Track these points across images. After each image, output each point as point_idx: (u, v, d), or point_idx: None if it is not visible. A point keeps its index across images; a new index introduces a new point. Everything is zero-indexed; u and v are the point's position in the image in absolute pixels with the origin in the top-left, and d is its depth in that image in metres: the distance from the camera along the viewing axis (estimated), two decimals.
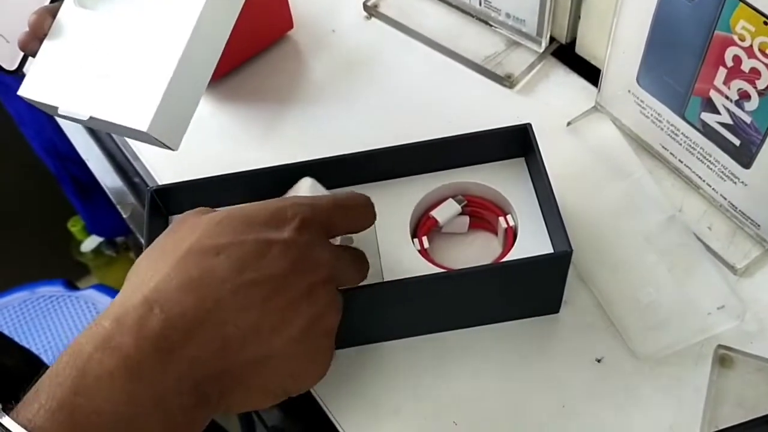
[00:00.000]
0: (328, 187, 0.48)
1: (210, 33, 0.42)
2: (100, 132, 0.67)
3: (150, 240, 0.46)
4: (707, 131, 0.49)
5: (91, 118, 0.41)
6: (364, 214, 0.39)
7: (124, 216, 0.60)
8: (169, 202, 0.50)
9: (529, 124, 0.49)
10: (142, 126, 0.39)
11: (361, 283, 0.40)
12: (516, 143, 0.50)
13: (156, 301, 0.31)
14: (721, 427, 0.42)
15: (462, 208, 0.50)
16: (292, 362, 0.34)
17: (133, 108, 0.40)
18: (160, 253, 0.33)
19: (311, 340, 0.34)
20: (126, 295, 0.32)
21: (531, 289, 0.47)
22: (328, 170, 0.48)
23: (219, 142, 0.62)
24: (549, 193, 0.45)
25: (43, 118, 0.93)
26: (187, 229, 0.34)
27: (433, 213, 0.50)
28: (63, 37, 0.43)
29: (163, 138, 0.41)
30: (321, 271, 0.35)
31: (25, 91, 0.43)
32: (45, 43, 0.44)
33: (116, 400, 0.29)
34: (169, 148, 0.42)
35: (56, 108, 0.42)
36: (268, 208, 0.35)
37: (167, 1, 0.41)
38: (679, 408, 0.45)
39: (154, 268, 0.32)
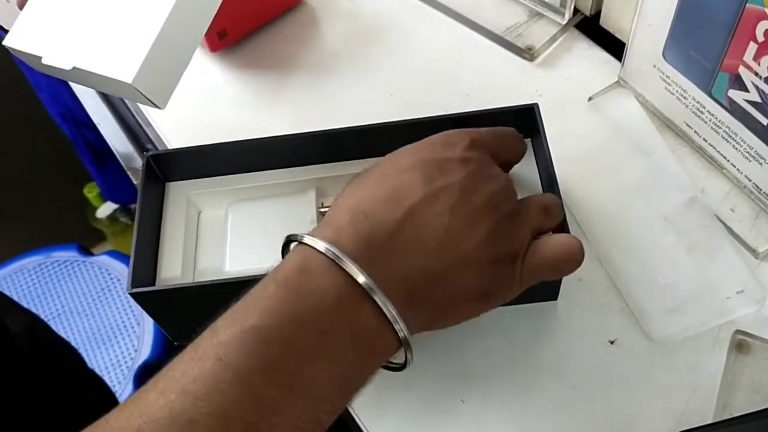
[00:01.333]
0: (335, 159, 0.47)
1: None
2: (112, 96, 0.66)
3: (143, 207, 0.45)
4: (734, 109, 0.47)
5: (74, 68, 0.39)
6: (518, 144, 0.43)
7: (135, 182, 0.60)
8: (166, 168, 0.49)
9: (536, 104, 0.47)
10: (127, 77, 0.38)
11: None
12: (523, 123, 0.48)
13: (362, 211, 0.35)
14: (735, 414, 0.41)
15: None
16: (484, 269, 0.36)
17: (118, 59, 0.38)
18: (356, 185, 0.37)
19: (495, 247, 0.36)
20: (335, 212, 0.36)
21: None
22: (336, 141, 0.47)
23: (232, 109, 0.61)
24: (552, 179, 0.44)
25: (58, 83, 0.93)
26: (373, 167, 0.38)
27: None
28: None
29: (148, 93, 0.39)
30: (496, 181, 0.38)
31: (10, 41, 0.42)
32: None
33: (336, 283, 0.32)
34: (156, 106, 0.40)
35: (39, 58, 0.40)
36: (437, 137, 0.39)
37: None
38: (693, 393, 0.43)
39: (356, 190, 0.36)
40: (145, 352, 0.94)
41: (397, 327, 0.33)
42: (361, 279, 0.32)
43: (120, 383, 0.92)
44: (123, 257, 1.04)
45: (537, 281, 0.38)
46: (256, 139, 0.47)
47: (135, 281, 0.42)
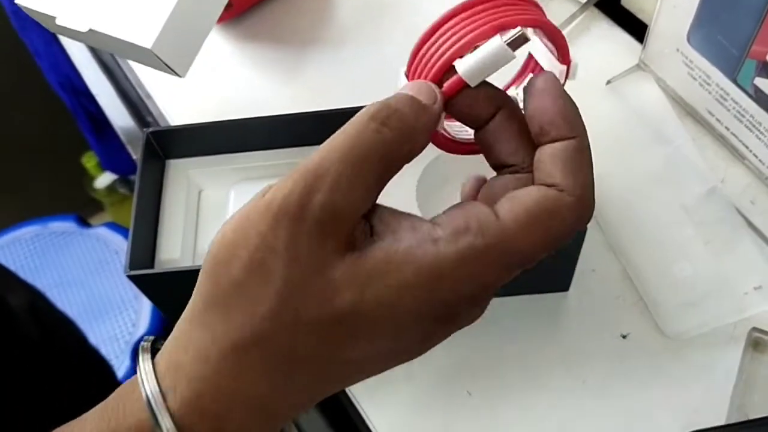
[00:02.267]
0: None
1: None
2: (113, 67, 0.64)
3: (143, 184, 0.44)
4: (759, 98, 0.45)
5: (90, 31, 0.38)
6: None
7: (134, 157, 0.58)
8: (167, 145, 0.47)
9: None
10: (146, 43, 0.36)
11: None
12: None
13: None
14: (750, 416, 0.40)
15: None
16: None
17: (137, 24, 0.37)
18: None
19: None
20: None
21: (540, 266, 0.44)
22: (344, 121, 0.45)
23: (237, 83, 0.59)
24: None
25: (58, 51, 0.91)
26: None
27: None
28: None
29: (168, 60, 0.37)
30: None
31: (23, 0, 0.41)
32: None
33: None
34: (176, 74, 0.39)
35: (53, 18, 0.39)
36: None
37: None
38: (706, 391, 0.42)
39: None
40: (143, 326, 0.93)
41: None
42: None
43: (117, 357, 0.91)
44: (121, 229, 1.02)
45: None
46: (259, 118, 0.46)
47: (133, 263, 0.40)
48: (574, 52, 0.57)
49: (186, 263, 0.44)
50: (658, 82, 0.53)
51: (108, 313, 0.94)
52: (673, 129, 0.50)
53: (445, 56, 0.26)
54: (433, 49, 0.26)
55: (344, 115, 0.45)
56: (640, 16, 0.56)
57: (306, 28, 0.61)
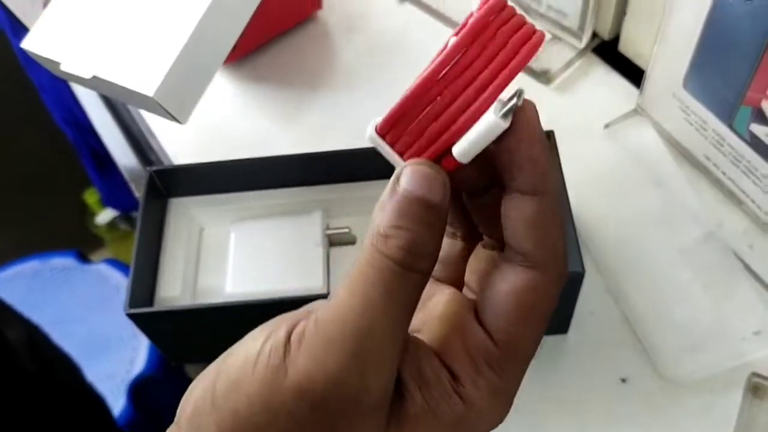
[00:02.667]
0: (342, 180, 0.45)
1: (234, 2, 0.39)
2: (117, 104, 0.65)
3: (144, 222, 0.44)
4: (755, 143, 0.46)
5: (94, 77, 0.38)
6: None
7: (137, 194, 0.58)
8: (169, 183, 0.47)
9: (552, 132, 0.46)
10: (149, 91, 0.37)
11: None
12: None
13: None
14: None
15: None
16: None
17: (140, 71, 0.37)
18: None
19: None
20: None
21: None
22: (344, 162, 0.46)
23: (239, 123, 0.59)
24: (566, 209, 0.43)
25: (63, 86, 0.92)
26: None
27: None
28: None
29: (170, 107, 0.38)
30: None
31: (29, 43, 0.41)
32: None
33: None
34: (177, 121, 0.39)
35: (58, 64, 0.39)
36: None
37: None
38: None
39: None
40: (139, 365, 0.92)
41: None
42: None
43: (113, 395, 0.90)
44: (121, 265, 1.02)
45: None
46: (262, 158, 0.46)
47: (133, 301, 0.40)
48: (572, 97, 0.58)
49: (186, 301, 0.44)
50: (655, 126, 0.53)
51: (106, 350, 0.94)
52: (670, 172, 0.50)
53: (440, 141, 0.24)
54: (423, 121, 0.24)
55: (344, 156, 0.46)
56: (637, 61, 0.57)
57: (306, 70, 0.62)
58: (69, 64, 0.39)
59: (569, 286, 0.42)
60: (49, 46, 0.40)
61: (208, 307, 0.41)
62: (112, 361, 0.93)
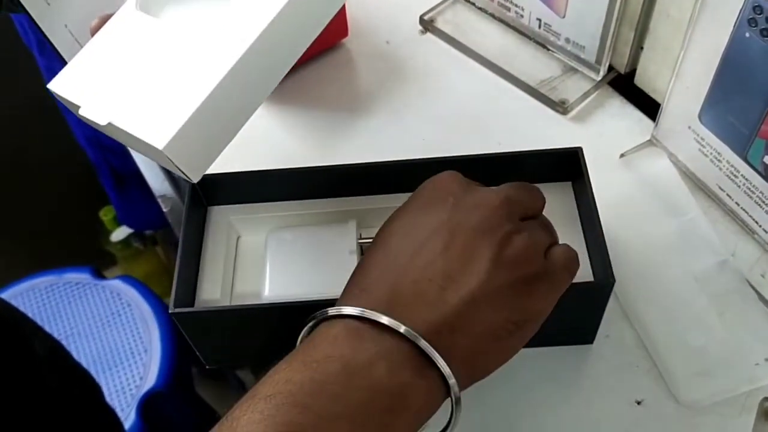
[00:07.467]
0: (376, 192, 0.46)
1: (266, 61, 0.37)
2: None
3: (187, 229, 0.46)
4: None
5: (109, 124, 0.37)
6: (541, 199, 0.41)
7: (165, 210, 0.60)
8: (209, 192, 0.49)
9: (580, 148, 0.48)
10: (159, 143, 0.35)
11: None
12: (564, 167, 0.49)
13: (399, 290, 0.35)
14: None
15: None
16: (495, 300, 0.35)
17: (154, 122, 0.36)
18: (388, 250, 0.37)
19: (496, 278, 0.35)
20: (371, 282, 0.36)
21: (566, 317, 0.45)
22: (378, 174, 0.48)
23: (264, 148, 0.61)
24: (595, 220, 0.44)
25: None
26: (399, 220, 0.40)
27: None
28: (110, 39, 0.41)
29: (180, 163, 0.36)
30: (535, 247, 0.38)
31: (55, 85, 0.41)
32: (91, 41, 0.41)
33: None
34: (188, 179, 0.37)
35: (78, 107, 0.39)
36: (467, 198, 0.38)
37: (232, 19, 0.38)
38: None
39: (391, 258, 0.37)
40: (150, 381, 0.93)
41: (451, 382, 0.33)
42: (421, 342, 0.33)
43: (123, 410, 0.91)
44: (135, 282, 1.03)
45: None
46: (298, 169, 0.48)
47: (177, 301, 0.42)
48: (588, 127, 0.60)
49: (225, 304, 0.46)
50: (670, 157, 0.55)
51: (118, 364, 0.95)
52: (685, 202, 0.52)
53: None
54: None
55: (377, 168, 0.47)
56: (652, 95, 0.59)
57: (332, 96, 0.64)
58: (87, 109, 0.39)
59: (598, 294, 0.43)
60: (73, 89, 0.40)
61: (248, 307, 0.43)
62: (123, 375, 0.94)
